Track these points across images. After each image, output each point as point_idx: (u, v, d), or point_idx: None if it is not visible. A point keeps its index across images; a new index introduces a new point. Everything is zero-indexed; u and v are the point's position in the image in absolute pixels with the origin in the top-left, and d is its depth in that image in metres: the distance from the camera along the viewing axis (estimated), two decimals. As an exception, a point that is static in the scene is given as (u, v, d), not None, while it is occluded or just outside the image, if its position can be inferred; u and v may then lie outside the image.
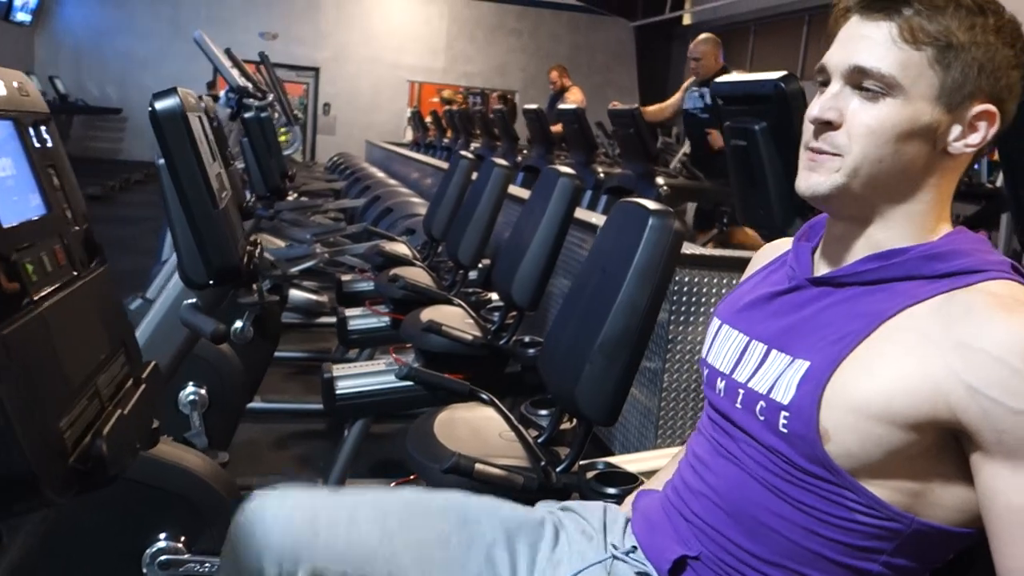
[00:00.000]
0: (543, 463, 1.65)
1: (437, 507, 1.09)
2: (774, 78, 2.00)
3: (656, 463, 1.98)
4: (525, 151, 6.89)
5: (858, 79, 0.88)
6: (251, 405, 3.03)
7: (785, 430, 0.88)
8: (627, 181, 4.70)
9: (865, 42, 0.88)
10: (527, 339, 2.56)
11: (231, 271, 1.43)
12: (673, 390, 2.78)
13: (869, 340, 0.86)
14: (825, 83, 0.93)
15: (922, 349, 0.82)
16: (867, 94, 0.88)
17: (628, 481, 1.62)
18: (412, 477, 1.70)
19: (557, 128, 6.20)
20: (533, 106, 6.27)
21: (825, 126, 0.90)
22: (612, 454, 2.94)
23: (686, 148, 5.63)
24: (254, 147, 3.23)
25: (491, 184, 3.21)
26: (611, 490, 1.58)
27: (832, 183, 0.90)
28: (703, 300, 2.72)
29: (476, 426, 1.81)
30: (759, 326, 0.99)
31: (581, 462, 1.72)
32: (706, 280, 2.70)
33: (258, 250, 1.70)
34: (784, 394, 0.89)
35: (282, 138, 7.54)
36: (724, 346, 1.02)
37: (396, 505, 1.08)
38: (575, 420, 1.80)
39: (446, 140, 9.24)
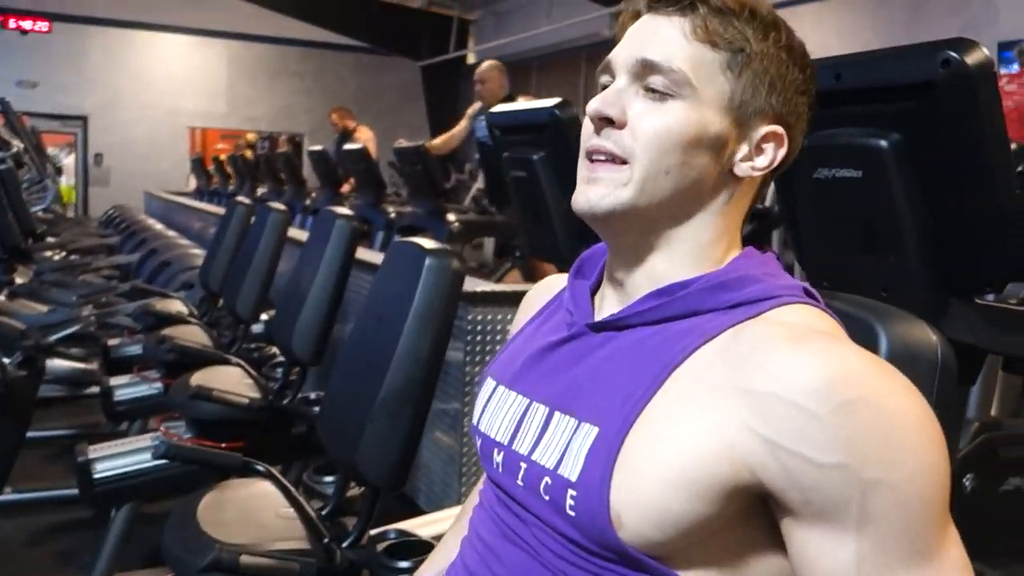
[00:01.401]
0: (326, 540, 1.46)
1: None
2: (549, 106, 1.93)
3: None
4: (313, 195, 6.65)
5: (645, 75, 0.79)
6: (-2, 498, 2.63)
7: (572, 512, 0.73)
8: (418, 219, 4.58)
9: (656, 36, 0.79)
10: (313, 396, 2.36)
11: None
12: (475, 434, 2.65)
13: (660, 395, 0.73)
14: (607, 86, 0.82)
15: (712, 400, 0.71)
16: (654, 95, 0.78)
17: (423, 551, 1.46)
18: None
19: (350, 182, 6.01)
20: (317, 147, 6.06)
21: (606, 123, 0.79)
22: (416, 507, 2.77)
23: (480, 184, 5.59)
24: (-14, 203, 2.85)
25: (268, 230, 3.00)
26: (404, 564, 1.41)
27: (615, 199, 0.78)
28: (498, 338, 2.62)
29: (250, 505, 1.60)
30: (538, 384, 0.84)
31: (371, 532, 1.55)
32: (499, 317, 2.60)
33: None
34: (572, 468, 0.74)
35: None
36: (500, 411, 0.86)
37: None
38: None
39: (231, 187, 8.80)
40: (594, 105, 0.80)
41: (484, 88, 4.93)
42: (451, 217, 4.40)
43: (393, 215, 4.94)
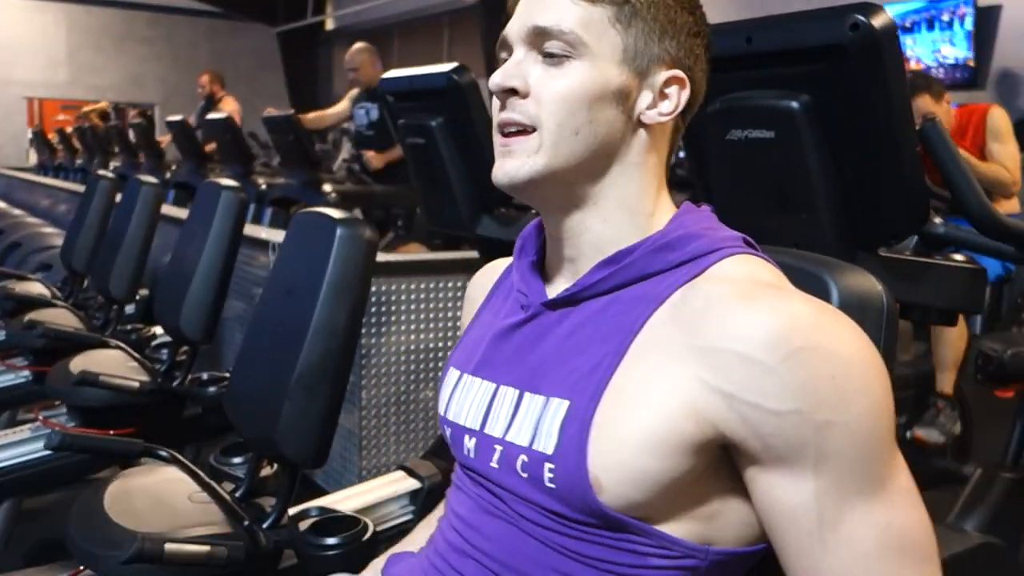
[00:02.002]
0: (247, 523, 1.42)
1: None
2: (446, 70, 1.91)
3: (374, 495, 1.82)
4: (174, 167, 6.35)
5: (540, 42, 0.80)
6: None
7: (552, 484, 0.75)
8: (292, 191, 4.45)
9: (542, 3, 0.81)
10: (205, 376, 2.27)
11: None
12: (373, 407, 2.63)
13: (625, 363, 0.76)
14: (507, 59, 0.84)
15: (671, 362, 0.74)
16: (551, 60, 0.80)
17: (350, 526, 1.44)
18: (81, 570, 1.39)
19: (211, 146, 5.75)
20: (176, 117, 5.77)
21: (511, 94, 0.81)
22: (315, 486, 2.73)
23: (345, 154, 5.47)
24: None
25: (140, 205, 2.84)
26: (331, 540, 1.39)
27: (532, 167, 0.80)
28: (394, 308, 2.59)
29: (158, 492, 1.53)
30: (504, 368, 0.85)
31: (291, 511, 1.52)
32: (395, 288, 2.58)
33: None
34: (547, 442, 0.76)
35: None
36: (467, 398, 0.87)
37: None
38: (276, 465, 1.59)
39: (80, 161, 8.29)
40: (496, 79, 0.81)
41: (359, 74, 4.77)
42: (327, 187, 4.29)
43: (264, 186, 4.78)
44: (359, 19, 12.43)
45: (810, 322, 0.70)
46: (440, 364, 2.68)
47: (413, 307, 2.60)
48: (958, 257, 1.36)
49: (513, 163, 0.81)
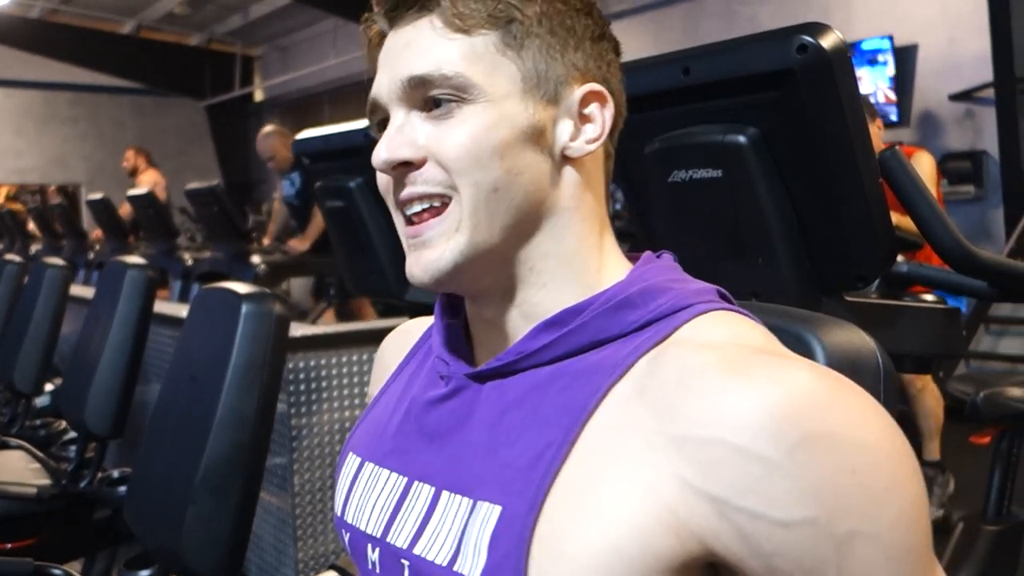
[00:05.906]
0: (149, 653, 1.22)
1: None
2: (363, 127, 1.77)
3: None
4: (97, 247, 6.11)
5: (420, 96, 0.65)
6: None
7: None
8: (219, 264, 4.25)
9: (411, 48, 0.66)
10: (116, 473, 2.06)
11: None
12: (307, 492, 2.42)
13: (575, 455, 0.59)
14: (383, 124, 0.69)
15: (640, 455, 0.57)
16: (439, 112, 0.65)
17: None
18: None
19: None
20: (97, 195, 5.55)
21: (403, 168, 0.66)
22: (248, 582, 2.50)
23: (277, 222, 5.32)
24: None
25: (45, 289, 2.64)
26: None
27: (455, 251, 0.64)
28: (324, 384, 2.41)
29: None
30: (418, 457, 0.68)
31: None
32: (323, 362, 2.40)
33: None
34: (474, 562, 0.59)
35: None
36: (371, 495, 0.70)
37: None
38: (187, 577, 1.39)
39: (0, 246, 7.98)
40: (380, 155, 0.66)
41: (276, 162, 4.71)
42: (256, 259, 4.11)
43: (190, 262, 4.58)
44: (288, 88, 12.34)
45: (822, 398, 0.54)
46: (378, 442, 2.49)
47: (345, 381, 2.42)
48: (928, 297, 1.25)
49: (433, 253, 0.65)
